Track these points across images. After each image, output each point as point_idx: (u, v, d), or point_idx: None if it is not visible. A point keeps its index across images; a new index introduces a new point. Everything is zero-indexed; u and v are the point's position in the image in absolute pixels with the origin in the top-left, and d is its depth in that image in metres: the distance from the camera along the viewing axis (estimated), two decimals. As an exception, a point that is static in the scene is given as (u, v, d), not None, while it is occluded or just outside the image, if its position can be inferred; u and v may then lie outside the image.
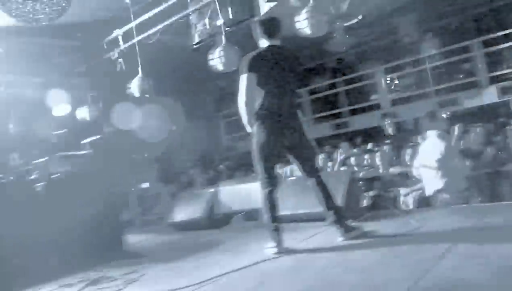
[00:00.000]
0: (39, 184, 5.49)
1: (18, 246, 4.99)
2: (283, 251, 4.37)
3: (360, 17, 8.96)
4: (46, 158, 5.78)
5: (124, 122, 8.89)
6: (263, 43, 4.57)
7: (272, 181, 4.50)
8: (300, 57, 4.96)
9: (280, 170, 8.06)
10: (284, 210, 4.78)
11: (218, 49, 6.79)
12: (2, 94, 8.44)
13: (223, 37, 6.94)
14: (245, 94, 4.38)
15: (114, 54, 8.52)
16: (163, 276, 4.37)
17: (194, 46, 7.42)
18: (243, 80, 4.40)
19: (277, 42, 4.56)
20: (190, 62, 9.42)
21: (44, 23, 5.83)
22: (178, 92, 10.94)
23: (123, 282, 4.31)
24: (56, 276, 4.87)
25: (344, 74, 12.92)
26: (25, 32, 8.18)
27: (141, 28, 8.21)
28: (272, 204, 4.47)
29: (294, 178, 6.83)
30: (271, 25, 4.60)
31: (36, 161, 5.88)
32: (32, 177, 5.67)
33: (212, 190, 6.94)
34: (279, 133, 4.49)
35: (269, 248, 4.44)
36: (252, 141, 4.50)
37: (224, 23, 6.90)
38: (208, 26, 7.08)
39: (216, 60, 6.79)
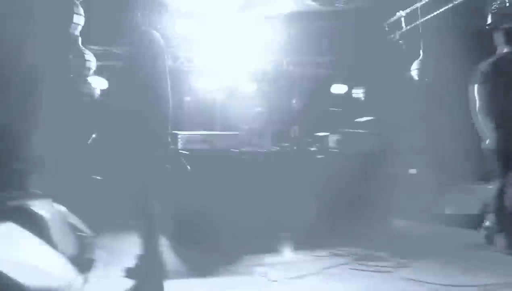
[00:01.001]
0: (319, 156, 5.89)
1: (291, 208, 5.45)
2: None
3: None
4: (327, 133, 6.14)
5: (396, 107, 8.79)
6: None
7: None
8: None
9: None
10: None
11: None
12: (290, 72, 9.32)
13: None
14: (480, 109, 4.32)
15: (395, 36, 8.44)
16: (431, 270, 4.17)
17: (487, 28, 6.73)
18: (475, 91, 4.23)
19: None
20: (472, 46, 8.65)
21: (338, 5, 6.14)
22: (452, 79, 10.21)
23: (393, 264, 4.29)
24: (326, 244, 5.15)
25: None
26: (311, 16, 8.82)
27: (425, 9, 7.92)
28: None
29: None
30: None
31: (317, 134, 6.30)
32: (313, 149, 6.10)
33: (490, 186, 6.28)
34: None
35: None
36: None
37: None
38: (508, 4, 6.31)
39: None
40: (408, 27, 8.26)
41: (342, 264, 4.40)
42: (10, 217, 3.41)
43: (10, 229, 3.25)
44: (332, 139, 6.04)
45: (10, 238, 3.14)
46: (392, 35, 8.73)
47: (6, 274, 2.65)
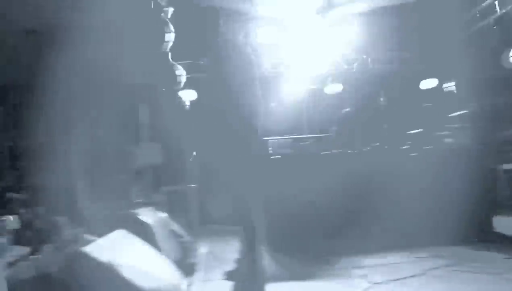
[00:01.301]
0: (412, 154, 5.68)
1: (385, 208, 5.28)
2: None
3: None
4: (419, 130, 5.93)
5: (493, 98, 8.25)
6: None
7: None
8: None
9: None
10: None
11: None
12: (376, 70, 9.07)
13: None
14: None
15: (489, 21, 7.93)
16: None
17: None
18: None
19: None
20: None
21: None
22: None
23: (502, 265, 4.02)
24: (426, 244, 4.94)
25: None
26: (393, 11, 8.53)
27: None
28: None
29: None
30: None
31: (409, 132, 6.10)
32: (405, 147, 5.90)
33: None
34: None
35: None
36: None
37: None
38: None
39: None
40: (504, 10, 7.71)
41: (446, 266, 4.20)
42: (121, 224, 3.68)
43: (122, 235, 3.51)
44: (426, 136, 5.81)
45: (123, 243, 3.39)
46: (486, 21, 8.20)
47: (123, 276, 2.86)
